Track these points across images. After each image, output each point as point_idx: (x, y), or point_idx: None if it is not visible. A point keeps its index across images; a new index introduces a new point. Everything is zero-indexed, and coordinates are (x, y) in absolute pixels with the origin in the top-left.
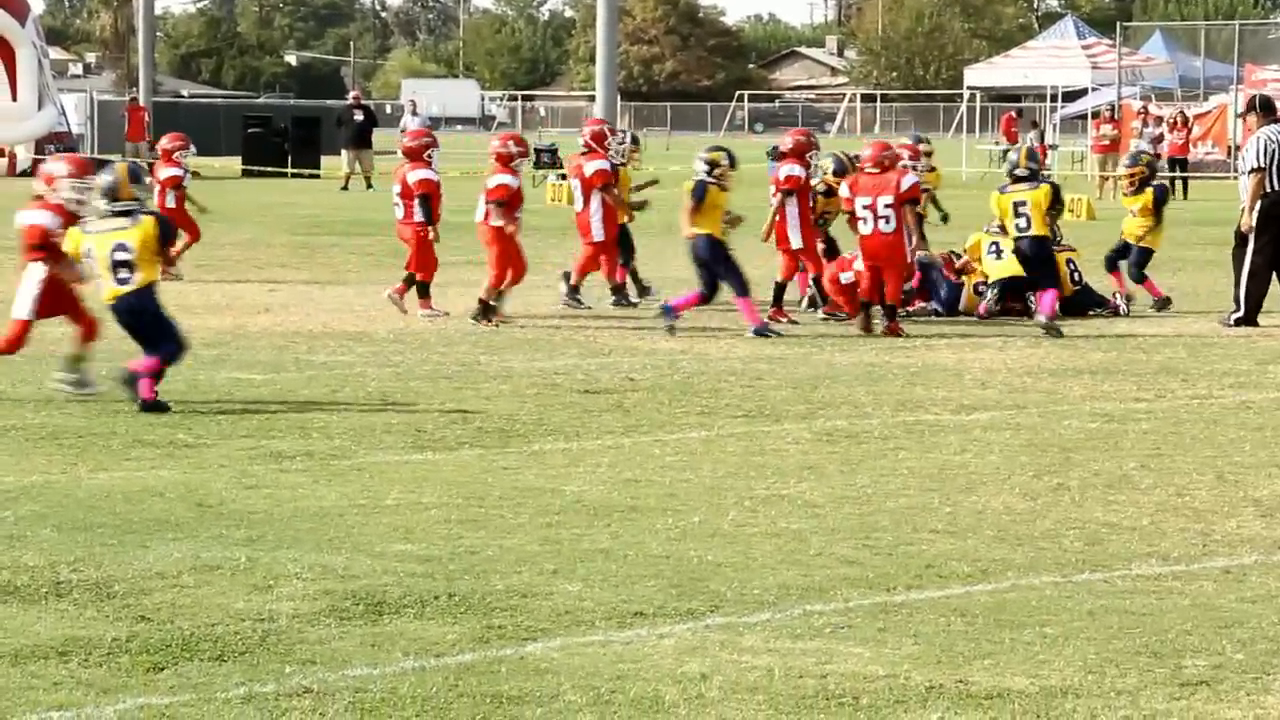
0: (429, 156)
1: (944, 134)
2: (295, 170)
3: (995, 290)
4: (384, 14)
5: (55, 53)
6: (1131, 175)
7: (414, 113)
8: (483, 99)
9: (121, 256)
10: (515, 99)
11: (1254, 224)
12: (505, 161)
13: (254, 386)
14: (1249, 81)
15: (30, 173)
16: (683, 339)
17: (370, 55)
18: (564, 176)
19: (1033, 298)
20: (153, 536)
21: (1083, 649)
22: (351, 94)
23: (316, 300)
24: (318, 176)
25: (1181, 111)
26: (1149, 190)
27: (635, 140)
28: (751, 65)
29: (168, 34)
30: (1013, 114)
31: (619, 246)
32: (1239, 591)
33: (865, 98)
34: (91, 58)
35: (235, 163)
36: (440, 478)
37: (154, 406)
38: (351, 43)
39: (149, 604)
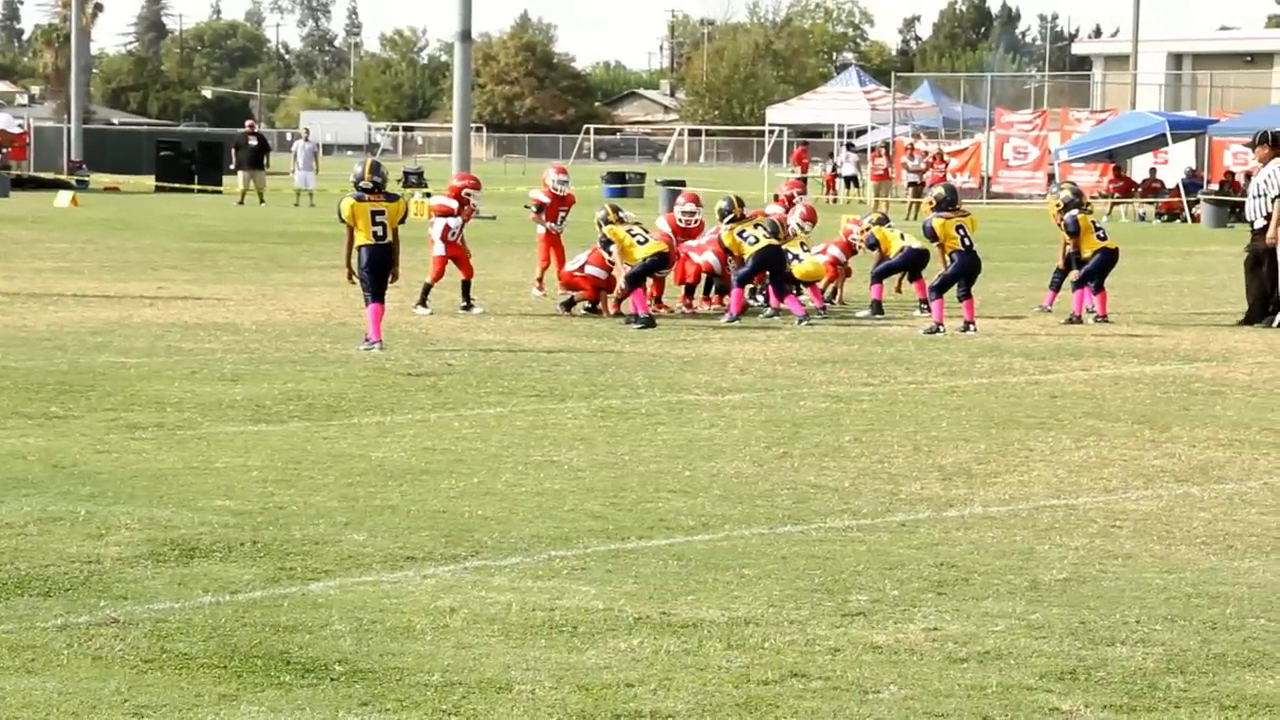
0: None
1: (755, 163)
2: (201, 187)
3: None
4: (287, 56)
5: (3, 85)
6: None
7: (305, 140)
8: (369, 129)
9: None
10: (397, 129)
11: None
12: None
13: (127, 368)
14: (999, 123)
15: None
16: (499, 332)
17: (275, 90)
18: (428, 195)
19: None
20: (9, 493)
21: (769, 587)
22: (247, 123)
23: (197, 297)
24: (220, 193)
25: (940, 149)
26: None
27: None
28: (598, 103)
29: (101, 70)
30: (803, 147)
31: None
32: (908, 541)
33: (692, 132)
34: (35, 90)
35: (151, 180)
36: (267, 445)
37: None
38: (259, 80)
39: None
